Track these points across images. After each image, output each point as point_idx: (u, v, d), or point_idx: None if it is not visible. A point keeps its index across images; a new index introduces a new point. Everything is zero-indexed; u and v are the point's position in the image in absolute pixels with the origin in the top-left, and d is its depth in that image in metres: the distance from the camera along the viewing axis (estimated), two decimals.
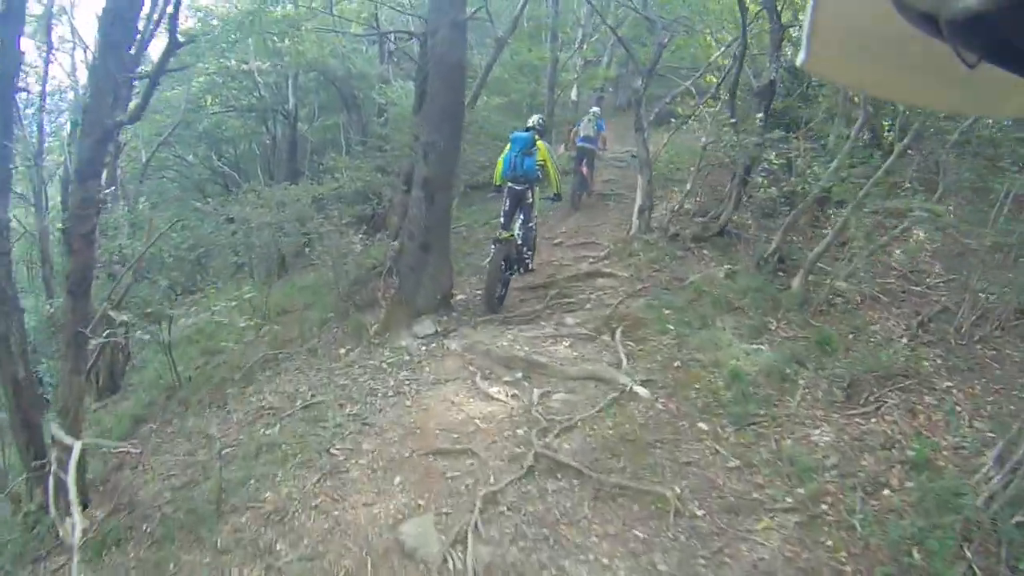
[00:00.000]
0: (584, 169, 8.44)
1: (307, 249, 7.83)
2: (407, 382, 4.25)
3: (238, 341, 5.80)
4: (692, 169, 7.28)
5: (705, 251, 6.39)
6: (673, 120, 8.61)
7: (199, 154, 12.98)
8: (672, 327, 4.67)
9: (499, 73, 10.19)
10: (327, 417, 3.85)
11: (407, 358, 4.60)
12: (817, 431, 3.51)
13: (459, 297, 5.85)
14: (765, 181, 6.24)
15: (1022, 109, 0.77)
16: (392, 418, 3.78)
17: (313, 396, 4.22)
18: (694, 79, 9.19)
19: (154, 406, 5.17)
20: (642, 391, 3.88)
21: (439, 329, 4.98)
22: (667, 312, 4.90)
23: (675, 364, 4.23)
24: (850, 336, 4.53)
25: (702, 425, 3.57)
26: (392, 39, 10.60)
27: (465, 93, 6.15)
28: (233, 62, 9.89)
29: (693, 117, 8.18)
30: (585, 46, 12.95)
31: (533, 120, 5.78)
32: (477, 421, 3.67)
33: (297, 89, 11.55)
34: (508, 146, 5.40)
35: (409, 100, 8.62)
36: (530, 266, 5.72)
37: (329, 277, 6.25)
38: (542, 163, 5.32)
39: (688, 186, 7.19)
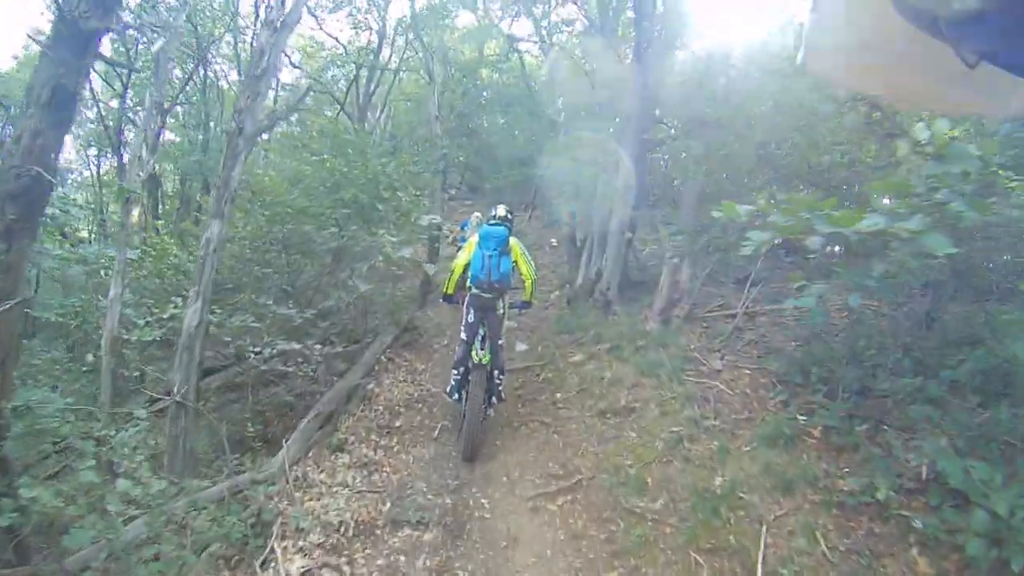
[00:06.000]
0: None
1: None
2: None
3: None
4: None
5: None
6: None
7: None
8: None
9: None
10: None
11: None
12: None
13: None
14: None
15: (1022, 109, 0.77)
16: None
17: None
18: None
19: None
20: None
21: None
22: None
23: None
24: None
25: None
26: None
27: None
28: None
29: None
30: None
31: (502, 211, 4.43)
32: None
33: None
34: (474, 242, 4.25)
35: None
36: (503, 395, 4.35)
37: None
38: (513, 264, 4.28)
39: None
